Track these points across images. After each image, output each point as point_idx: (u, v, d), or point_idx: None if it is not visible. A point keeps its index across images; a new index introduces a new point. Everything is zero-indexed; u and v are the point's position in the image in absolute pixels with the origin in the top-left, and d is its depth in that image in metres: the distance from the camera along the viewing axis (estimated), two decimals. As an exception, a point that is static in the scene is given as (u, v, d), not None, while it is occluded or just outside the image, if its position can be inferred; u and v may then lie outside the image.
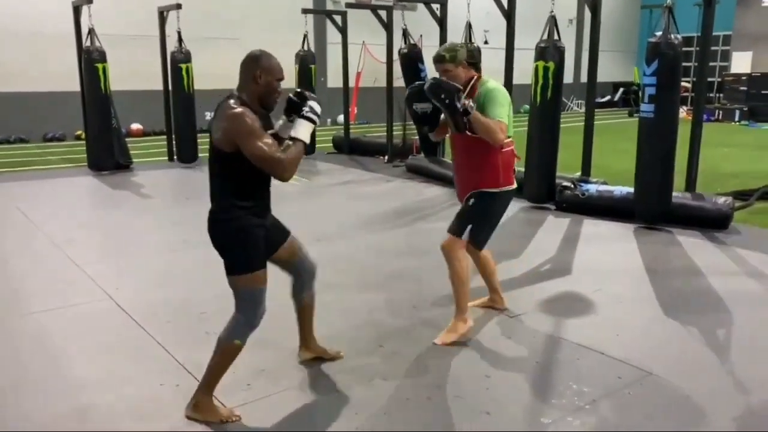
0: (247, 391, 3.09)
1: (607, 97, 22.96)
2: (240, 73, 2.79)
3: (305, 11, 11.48)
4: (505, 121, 3.46)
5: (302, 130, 2.72)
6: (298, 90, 2.86)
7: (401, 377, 3.26)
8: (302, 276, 3.17)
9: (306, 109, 2.76)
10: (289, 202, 7.70)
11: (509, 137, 3.54)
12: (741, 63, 19.63)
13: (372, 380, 3.23)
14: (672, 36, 5.72)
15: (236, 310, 2.84)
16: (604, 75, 21.79)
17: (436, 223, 6.67)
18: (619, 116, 19.58)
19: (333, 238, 5.89)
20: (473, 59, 3.58)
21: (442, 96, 3.39)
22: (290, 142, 2.68)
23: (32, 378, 3.27)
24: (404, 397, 3.06)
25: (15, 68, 13.06)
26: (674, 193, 6.31)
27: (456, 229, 3.61)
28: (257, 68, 2.75)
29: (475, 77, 3.59)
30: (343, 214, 6.98)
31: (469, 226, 3.62)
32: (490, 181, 3.55)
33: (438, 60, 3.53)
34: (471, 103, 3.42)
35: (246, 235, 2.76)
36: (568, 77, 20.74)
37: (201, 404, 2.84)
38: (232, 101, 2.70)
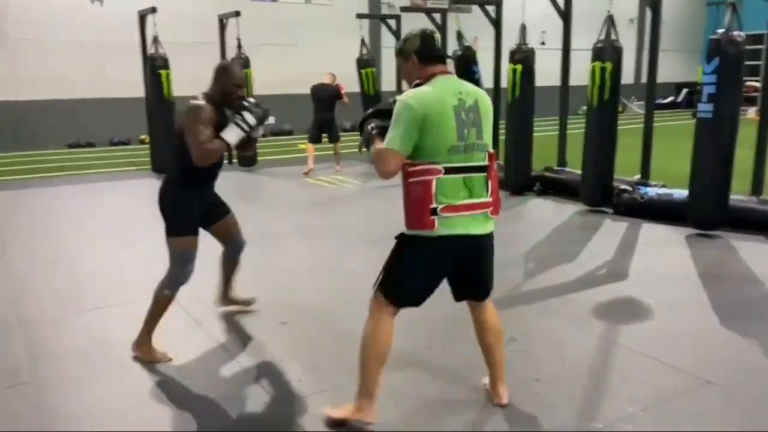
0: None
1: (670, 98, 22.25)
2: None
3: (360, 16, 11.59)
4: (394, 146, 2.53)
5: (228, 133, 3.26)
6: (252, 99, 3.39)
7: (447, 377, 3.25)
8: (231, 248, 3.87)
9: (238, 116, 3.28)
10: (343, 203, 7.79)
11: (431, 162, 2.54)
12: (815, 61, 18.64)
13: (416, 377, 3.24)
14: (735, 33, 5.51)
15: (169, 267, 3.46)
16: (666, 75, 21.16)
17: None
18: (683, 117, 18.92)
19: (386, 239, 5.91)
20: (430, 52, 2.65)
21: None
22: (217, 140, 3.25)
23: (94, 370, 3.43)
24: (452, 398, 3.06)
25: (83, 76, 13.69)
26: (739, 197, 6.08)
27: (375, 281, 2.77)
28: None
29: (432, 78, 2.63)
30: (396, 216, 7.00)
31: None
32: (405, 218, 2.69)
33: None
34: (372, 130, 2.69)
35: (182, 205, 3.43)
36: (628, 78, 20.33)
37: (142, 345, 3.48)
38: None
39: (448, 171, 2.55)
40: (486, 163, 2.64)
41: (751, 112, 15.65)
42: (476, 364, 3.07)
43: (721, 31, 5.61)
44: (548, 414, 2.91)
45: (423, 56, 2.64)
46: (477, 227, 2.64)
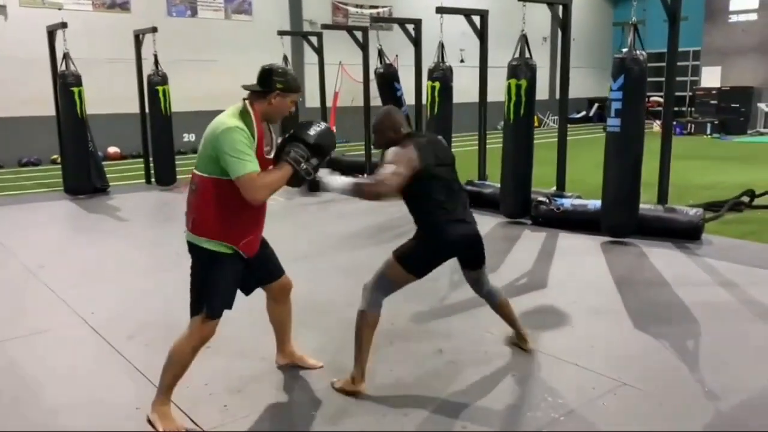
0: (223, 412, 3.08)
1: (583, 113, 23.32)
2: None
3: (281, 33, 11.56)
4: None
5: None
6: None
7: (376, 392, 3.27)
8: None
9: None
10: (266, 220, 7.68)
11: None
12: (711, 77, 20.06)
13: (346, 397, 3.24)
14: (637, 52, 5.87)
15: None
16: (579, 91, 22.14)
17: (414, 240, 6.71)
18: (595, 131, 19.85)
19: (309, 257, 5.89)
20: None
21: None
22: None
23: (5, 404, 3.23)
24: (380, 413, 3.08)
25: (-11, 93, 12.96)
26: (647, 206, 6.43)
27: None
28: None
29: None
30: (319, 233, 7.00)
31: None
32: None
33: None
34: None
35: None
36: (543, 94, 21.08)
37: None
38: None
39: None
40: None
41: (656, 125, 16.62)
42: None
43: (624, 50, 5.95)
44: (474, 424, 2.97)
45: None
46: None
